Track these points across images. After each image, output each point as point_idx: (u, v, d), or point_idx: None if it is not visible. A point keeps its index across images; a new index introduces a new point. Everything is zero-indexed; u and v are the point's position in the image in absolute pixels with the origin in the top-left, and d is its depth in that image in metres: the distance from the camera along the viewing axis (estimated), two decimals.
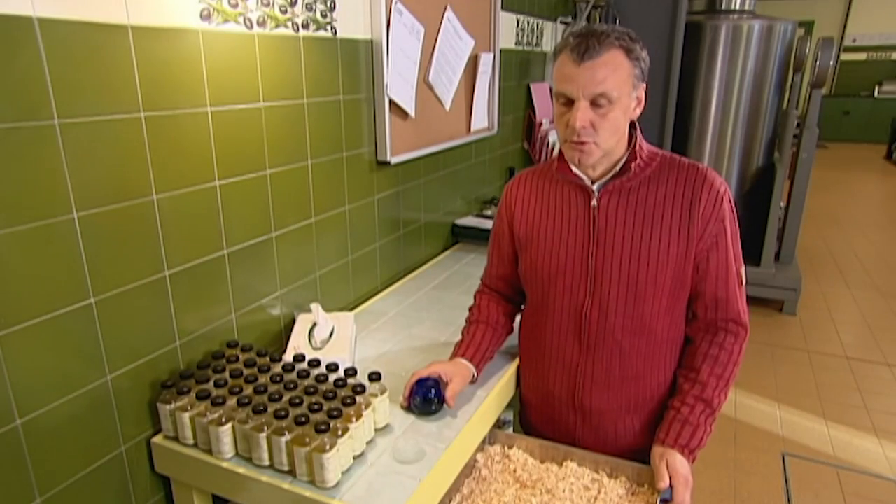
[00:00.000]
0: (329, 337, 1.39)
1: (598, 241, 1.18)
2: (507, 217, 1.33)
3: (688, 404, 1.18)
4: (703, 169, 1.17)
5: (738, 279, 1.19)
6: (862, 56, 10.89)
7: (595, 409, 1.26)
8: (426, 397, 1.19)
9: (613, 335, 1.20)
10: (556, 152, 1.24)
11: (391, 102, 1.72)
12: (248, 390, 1.10)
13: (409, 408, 1.22)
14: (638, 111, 1.15)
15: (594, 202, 1.18)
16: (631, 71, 1.08)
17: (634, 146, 1.16)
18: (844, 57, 10.87)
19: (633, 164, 1.15)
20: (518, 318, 1.44)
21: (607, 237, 1.18)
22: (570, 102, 1.09)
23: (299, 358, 1.23)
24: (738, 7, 3.69)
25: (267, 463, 1.04)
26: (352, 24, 1.55)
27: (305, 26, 1.39)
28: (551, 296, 1.25)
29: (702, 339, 1.21)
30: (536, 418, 1.39)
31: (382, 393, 1.14)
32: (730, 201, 1.17)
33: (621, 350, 1.21)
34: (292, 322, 1.47)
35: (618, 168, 1.16)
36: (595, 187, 1.19)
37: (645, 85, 1.13)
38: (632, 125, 1.18)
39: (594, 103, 1.07)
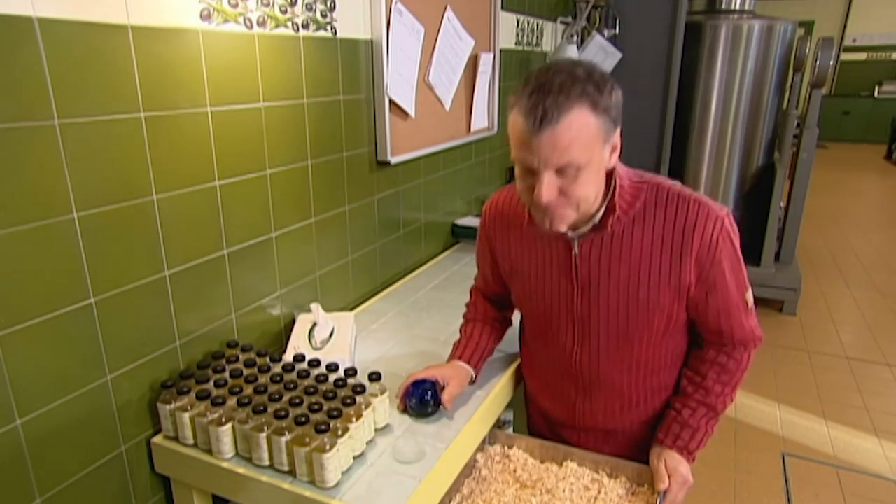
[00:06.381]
0: (329, 337, 1.39)
1: (581, 289, 1.11)
2: (489, 245, 1.26)
3: (689, 407, 1.17)
4: (695, 205, 1.03)
5: (744, 305, 1.11)
6: (862, 56, 10.89)
7: (599, 429, 1.27)
8: (422, 399, 1.18)
9: (607, 375, 1.18)
10: None
11: (391, 102, 1.72)
12: (248, 390, 1.10)
13: (405, 409, 1.22)
14: (615, 159, 1.00)
15: (575, 250, 1.09)
16: (600, 128, 0.91)
17: (613, 194, 1.03)
18: (844, 57, 10.86)
19: (610, 220, 1.03)
20: (518, 320, 1.43)
21: (592, 287, 1.10)
22: (531, 170, 0.94)
23: (299, 358, 1.23)
24: (738, 7, 3.68)
25: (267, 463, 1.04)
26: (352, 24, 1.55)
27: (305, 26, 1.39)
28: (543, 333, 1.23)
29: (710, 346, 1.17)
30: (539, 422, 1.39)
31: (382, 393, 1.14)
32: (727, 236, 1.03)
33: (617, 388, 1.19)
34: (292, 322, 1.47)
35: (596, 220, 1.05)
36: (574, 235, 1.08)
37: (619, 129, 0.97)
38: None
39: (560, 171, 0.92)
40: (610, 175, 1.04)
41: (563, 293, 1.14)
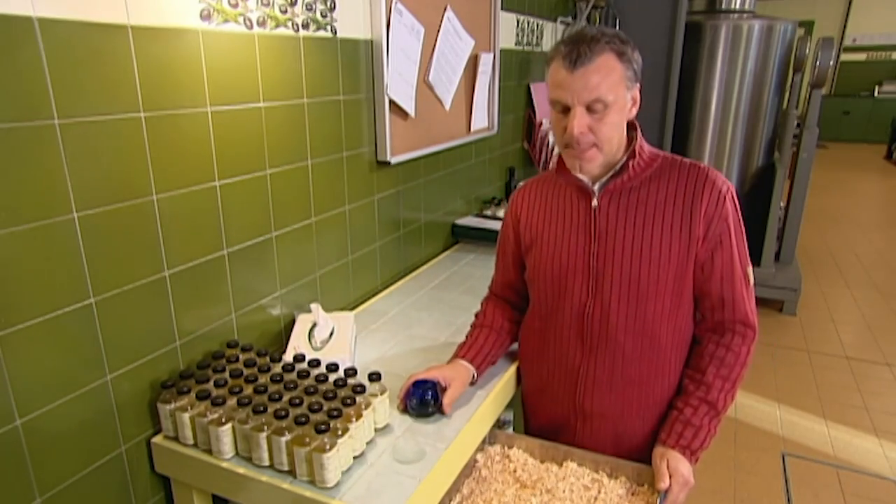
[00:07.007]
0: (329, 337, 1.39)
1: (599, 241, 1.19)
2: (513, 223, 1.34)
3: (691, 405, 1.18)
4: (705, 169, 1.17)
5: (745, 279, 1.18)
6: (862, 56, 10.89)
7: (596, 412, 1.26)
8: (423, 399, 1.19)
9: (616, 336, 1.20)
10: (555, 155, 1.24)
11: (391, 102, 1.72)
12: (248, 390, 1.10)
13: (405, 409, 1.22)
14: (634, 111, 1.15)
15: (594, 203, 1.19)
16: (623, 73, 1.08)
17: (634, 147, 1.16)
18: (844, 57, 10.86)
19: (631, 163, 1.15)
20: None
21: (608, 237, 1.18)
22: (565, 110, 1.10)
23: (299, 358, 1.23)
24: (738, 7, 3.69)
25: (267, 463, 1.04)
26: (352, 24, 1.55)
27: (305, 26, 1.39)
28: (555, 298, 1.25)
29: (708, 340, 1.21)
30: (537, 423, 1.39)
31: (382, 393, 1.14)
32: (733, 200, 1.16)
33: (624, 353, 1.20)
34: (292, 322, 1.47)
35: (617, 168, 1.17)
36: (595, 188, 1.19)
37: (639, 85, 1.14)
38: (632, 126, 1.18)
39: (590, 109, 1.08)
40: (630, 135, 1.18)
41: (581, 248, 1.21)
